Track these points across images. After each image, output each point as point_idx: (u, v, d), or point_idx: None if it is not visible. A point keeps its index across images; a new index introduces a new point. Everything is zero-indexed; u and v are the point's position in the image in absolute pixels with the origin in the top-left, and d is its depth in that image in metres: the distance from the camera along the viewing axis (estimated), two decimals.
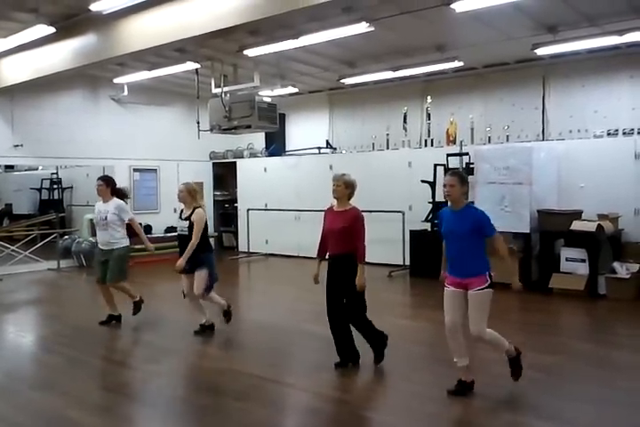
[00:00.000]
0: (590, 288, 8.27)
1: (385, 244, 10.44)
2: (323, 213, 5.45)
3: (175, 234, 6.85)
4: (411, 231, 10.37)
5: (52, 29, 8.09)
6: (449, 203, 4.71)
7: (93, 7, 7.47)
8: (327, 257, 5.35)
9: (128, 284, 7.15)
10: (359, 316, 5.24)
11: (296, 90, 12.11)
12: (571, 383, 5.02)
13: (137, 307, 7.19)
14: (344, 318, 5.25)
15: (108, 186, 7.05)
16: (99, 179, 7.14)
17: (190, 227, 6.35)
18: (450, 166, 9.72)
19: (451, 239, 4.59)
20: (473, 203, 5.64)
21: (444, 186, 4.62)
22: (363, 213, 5.22)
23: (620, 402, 4.53)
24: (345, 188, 5.23)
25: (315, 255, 5.46)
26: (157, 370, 5.51)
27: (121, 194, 7.16)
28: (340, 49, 9.65)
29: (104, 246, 6.97)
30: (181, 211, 6.61)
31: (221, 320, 6.73)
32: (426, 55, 9.72)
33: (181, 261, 6.29)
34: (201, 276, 6.39)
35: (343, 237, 5.13)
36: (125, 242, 7.03)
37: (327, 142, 13.08)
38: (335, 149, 13.04)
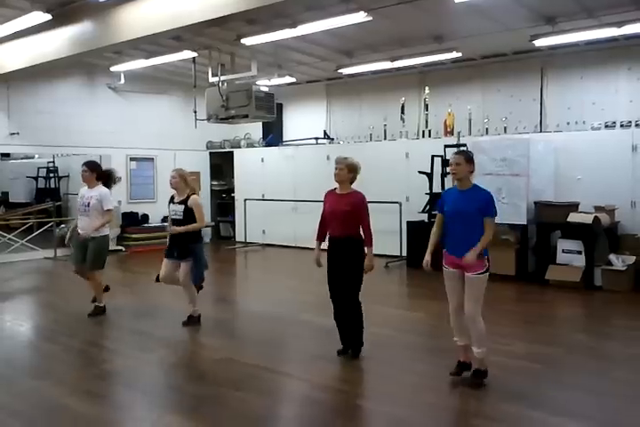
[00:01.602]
0: (586, 280, 8.30)
1: (382, 235, 10.30)
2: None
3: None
4: (408, 222, 10.38)
5: (48, 16, 8.02)
6: (455, 182, 4.70)
7: None
8: (328, 239, 5.31)
9: (103, 289, 7.03)
10: (355, 300, 5.21)
11: (293, 80, 12.06)
12: (567, 374, 5.04)
13: (96, 311, 6.98)
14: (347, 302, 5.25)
15: (93, 172, 6.90)
16: (83, 164, 6.97)
17: (185, 211, 6.31)
18: (447, 158, 9.72)
19: (455, 219, 4.56)
20: None
21: (450, 164, 4.61)
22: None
23: (617, 393, 4.56)
24: (348, 171, 5.17)
25: (313, 240, 5.43)
26: (155, 359, 5.52)
27: (107, 177, 7.00)
28: (338, 38, 9.61)
29: (84, 233, 6.83)
30: (172, 197, 6.57)
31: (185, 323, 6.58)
32: (424, 46, 9.68)
33: (180, 228, 6.28)
34: (187, 266, 6.37)
35: (346, 221, 5.11)
36: (105, 231, 6.91)
37: (325, 133, 13.06)
38: (332, 139, 13.01)
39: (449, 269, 4.61)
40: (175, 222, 6.46)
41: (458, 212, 4.54)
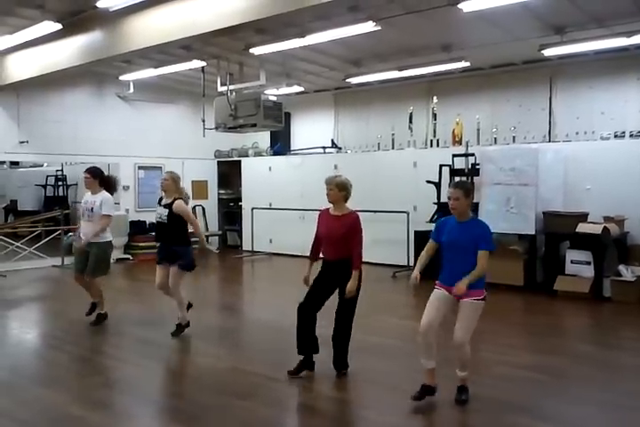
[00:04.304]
0: (595, 291, 8.23)
1: (389, 244, 10.44)
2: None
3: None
4: (415, 232, 10.32)
5: (58, 26, 8.09)
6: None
7: (100, 4, 7.47)
8: (322, 261, 5.20)
9: (103, 296, 6.94)
10: (350, 321, 5.14)
11: (302, 89, 12.09)
12: (574, 386, 5.00)
13: (99, 319, 6.90)
14: (315, 317, 5.14)
15: (96, 178, 6.88)
16: (85, 171, 6.96)
17: (170, 215, 6.26)
18: (455, 167, 9.71)
19: (452, 250, 4.45)
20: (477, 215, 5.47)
21: (449, 199, 4.50)
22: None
23: (624, 405, 4.50)
24: (339, 191, 5.06)
25: (307, 256, 5.33)
26: (160, 368, 5.51)
27: (107, 183, 6.98)
28: (346, 48, 9.63)
29: (85, 239, 6.79)
30: (160, 198, 6.54)
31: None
32: (432, 55, 9.67)
33: (204, 243, 6.45)
34: (176, 271, 6.33)
35: (342, 244, 4.98)
36: (108, 237, 6.86)
37: (332, 142, 13.06)
38: (340, 148, 13.02)
39: (440, 290, 4.47)
40: (160, 226, 6.41)
41: (454, 242, 4.43)
